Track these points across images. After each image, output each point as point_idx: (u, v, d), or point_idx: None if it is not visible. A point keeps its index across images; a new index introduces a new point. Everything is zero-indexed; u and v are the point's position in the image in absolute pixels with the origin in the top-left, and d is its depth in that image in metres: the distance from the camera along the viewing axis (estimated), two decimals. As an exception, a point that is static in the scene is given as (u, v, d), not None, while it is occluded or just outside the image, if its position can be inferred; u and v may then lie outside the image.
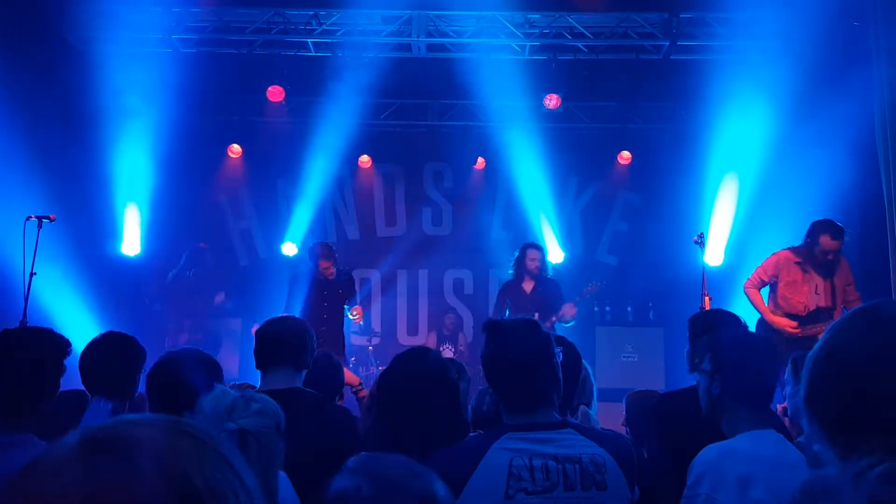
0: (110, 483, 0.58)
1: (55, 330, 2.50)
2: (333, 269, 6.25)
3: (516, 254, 6.66)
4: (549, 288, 6.55)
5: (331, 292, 6.22)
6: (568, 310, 6.31)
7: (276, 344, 2.72)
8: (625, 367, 7.42)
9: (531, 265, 6.52)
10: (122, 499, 0.57)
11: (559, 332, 5.81)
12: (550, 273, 6.67)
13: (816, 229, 5.43)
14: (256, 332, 2.82)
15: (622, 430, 3.58)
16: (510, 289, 6.62)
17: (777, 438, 2.11)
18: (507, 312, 6.45)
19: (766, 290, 5.82)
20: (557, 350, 2.02)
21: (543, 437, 1.87)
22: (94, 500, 0.57)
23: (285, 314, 3.17)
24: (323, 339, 5.65)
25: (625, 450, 1.93)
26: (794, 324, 5.49)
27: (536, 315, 5.89)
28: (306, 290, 6.17)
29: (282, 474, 1.72)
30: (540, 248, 6.71)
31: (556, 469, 1.82)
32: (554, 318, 6.27)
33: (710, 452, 1.99)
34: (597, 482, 1.82)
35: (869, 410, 1.03)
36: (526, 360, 1.94)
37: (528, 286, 6.56)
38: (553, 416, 1.94)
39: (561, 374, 2.00)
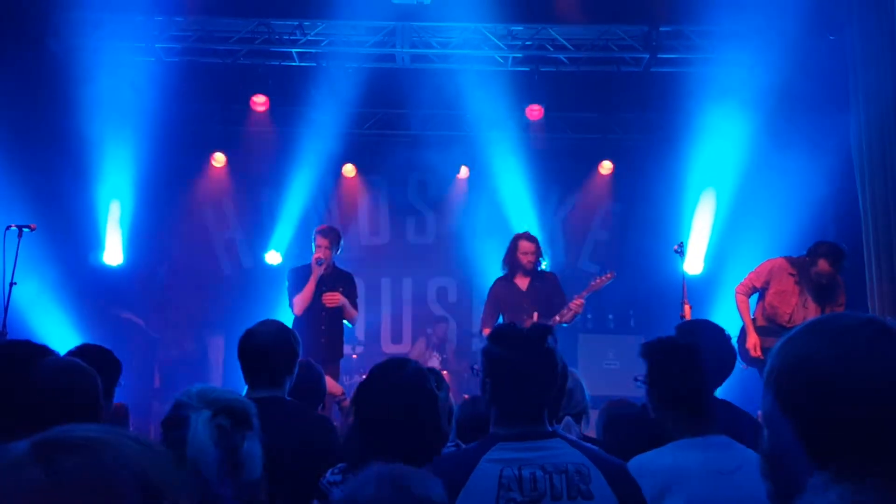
0: (77, 478, 0.61)
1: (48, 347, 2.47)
2: (329, 254, 5.46)
3: (506, 247, 5.93)
4: (546, 283, 5.83)
5: (330, 289, 5.48)
6: (576, 307, 5.60)
7: (258, 359, 2.69)
8: (606, 375, 7.46)
9: (524, 259, 5.76)
10: (90, 493, 0.61)
11: None
12: (547, 266, 6.00)
13: (817, 250, 5.38)
14: (238, 344, 2.73)
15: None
16: (502, 287, 5.87)
17: (709, 444, 2.13)
18: (501, 314, 5.78)
19: (754, 297, 5.87)
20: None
21: (533, 446, 1.87)
22: (60, 494, 0.60)
23: (268, 319, 2.89)
24: (323, 340, 5.29)
25: (608, 460, 1.93)
26: (757, 343, 5.55)
27: (535, 315, 5.54)
28: (303, 287, 5.45)
29: None
30: (533, 239, 5.88)
31: (544, 479, 1.82)
32: (557, 318, 5.55)
33: (630, 467, 1.99)
34: (582, 491, 1.82)
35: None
36: (530, 372, 1.91)
37: (522, 282, 5.81)
38: (543, 426, 1.93)
39: (557, 383, 1.99)
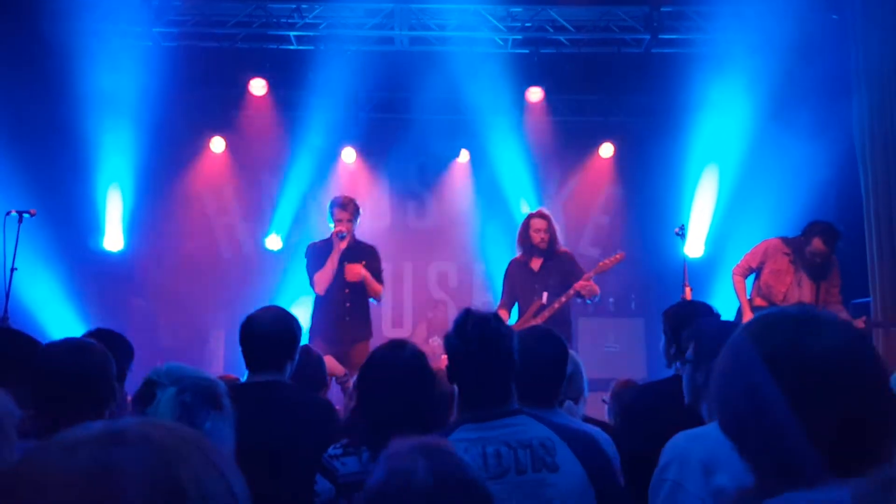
0: (110, 468, 0.64)
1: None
2: (350, 227, 5.21)
3: (518, 228, 5.70)
4: (560, 262, 5.57)
5: (353, 263, 5.23)
6: (584, 289, 5.32)
7: (259, 344, 2.70)
8: (607, 358, 7.49)
9: (536, 237, 5.51)
10: (116, 483, 0.63)
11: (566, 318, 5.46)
12: (562, 243, 5.71)
13: (812, 230, 5.42)
14: (240, 330, 2.74)
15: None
16: (514, 269, 5.65)
17: None
18: (517, 299, 5.59)
19: (751, 278, 5.89)
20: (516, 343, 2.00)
21: (497, 425, 1.91)
22: (93, 479, 0.63)
23: (270, 305, 2.90)
24: (348, 319, 5.14)
25: (576, 432, 1.96)
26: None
27: (545, 296, 5.42)
28: (323, 263, 5.17)
29: None
30: (546, 217, 5.64)
31: (509, 454, 1.85)
32: (563, 298, 5.35)
33: (678, 439, 2.01)
34: (547, 464, 1.85)
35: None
36: (482, 355, 1.95)
37: (535, 264, 5.56)
38: (509, 405, 1.97)
39: (516, 365, 2.01)
